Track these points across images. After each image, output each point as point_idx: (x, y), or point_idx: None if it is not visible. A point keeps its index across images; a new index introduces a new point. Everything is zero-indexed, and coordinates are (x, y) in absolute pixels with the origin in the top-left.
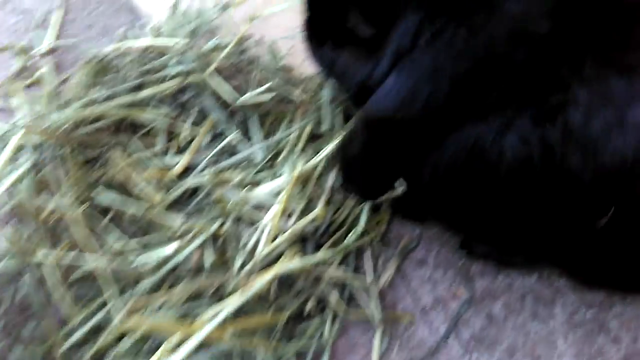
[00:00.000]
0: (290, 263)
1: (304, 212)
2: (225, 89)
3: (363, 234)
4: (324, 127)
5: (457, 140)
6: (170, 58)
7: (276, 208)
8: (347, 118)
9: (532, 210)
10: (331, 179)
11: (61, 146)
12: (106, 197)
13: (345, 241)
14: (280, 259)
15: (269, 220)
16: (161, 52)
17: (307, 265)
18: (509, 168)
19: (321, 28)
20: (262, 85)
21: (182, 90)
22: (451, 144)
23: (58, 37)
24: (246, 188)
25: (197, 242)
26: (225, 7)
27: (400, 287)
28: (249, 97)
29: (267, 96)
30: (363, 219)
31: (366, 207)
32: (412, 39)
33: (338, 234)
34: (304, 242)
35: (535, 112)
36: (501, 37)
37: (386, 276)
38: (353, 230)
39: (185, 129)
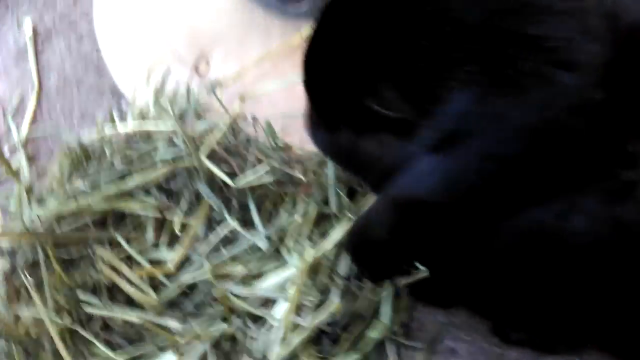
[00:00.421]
0: None
1: (318, 305)
2: (220, 172)
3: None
4: (332, 208)
5: (513, 226)
6: (157, 143)
7: (286, 305)
8: (351, 196)
9: (592, 293)
10: (344, 265)
11: (40, 246)
12: (92, 304)
13: (367, 337)
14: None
15: (280, 318)
16: (147, 136)
17: None
18: (575, 252)
19: (333, 111)
20: (259, 167)
21: (171, 177)
22: (506, 229)
23: (33, 125)
24: (251, 283)
25: (200, 349)
26: (214, 87)
27: None
28: (248, 178)
29: (268, 178)
30: (386, 311)
31: (387, 296)
32: (460, 119)
33: (357, 326)
34: (318, 337)
35: (603, 191)
36: (559, 110)
37: None
38: (373, 324)
39: (177, 219)
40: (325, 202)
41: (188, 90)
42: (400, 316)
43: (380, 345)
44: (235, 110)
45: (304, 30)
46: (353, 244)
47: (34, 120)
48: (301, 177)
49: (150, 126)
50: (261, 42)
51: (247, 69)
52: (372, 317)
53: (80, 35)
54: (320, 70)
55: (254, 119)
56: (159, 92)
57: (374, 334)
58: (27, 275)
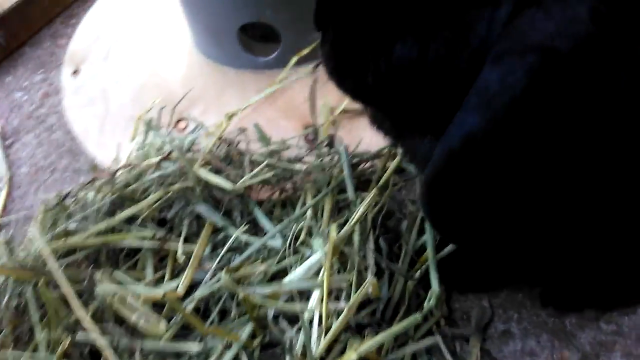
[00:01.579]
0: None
1: (353, 289)
2: (218, 178)
3: (425, 315)
4: (348, 193)
5: None
6: (145, 173)
7: (318, 292)
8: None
9: None
10: (371, 245)
11: (30, 284)
12: (92, 336)
13: (407, 321)
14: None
15: (314, 307)
16: (137, 176)
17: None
18: None
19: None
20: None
21: (166, 207)
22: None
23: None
24: (275, 281)
25: (229, 355)
26: (198, 129)
27: None
28: (247, 179)
29: (268, 174)
30: (434, 294)
31: (433, 275)
32: None
33: (400, 314)
34: (360, 333)
35: None
36: None
37: None
38: (419, 310)
39: (178, 247)
40: (337, 193)
41: (171, 135)
42: (442, 310)
43: (427, 337)
44: (224, 123)
45: (277, 78)
46: (428, 195)
47: (5, 208)
48: (302, 167)
49: (136, 161)
50: (238, 95)
51: (228, 119)
52: (410, 302)
53: (50, 126)
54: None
55: (242, 130)
56: (142, 142)
57: (418, 317)
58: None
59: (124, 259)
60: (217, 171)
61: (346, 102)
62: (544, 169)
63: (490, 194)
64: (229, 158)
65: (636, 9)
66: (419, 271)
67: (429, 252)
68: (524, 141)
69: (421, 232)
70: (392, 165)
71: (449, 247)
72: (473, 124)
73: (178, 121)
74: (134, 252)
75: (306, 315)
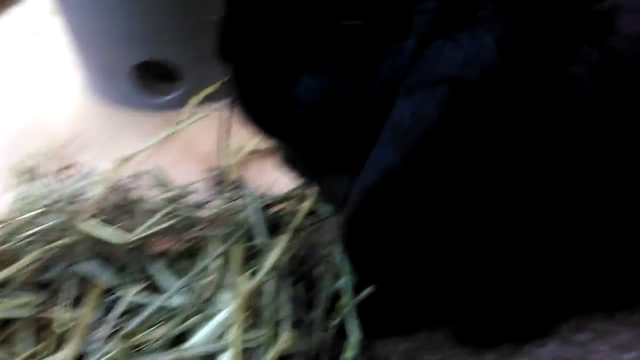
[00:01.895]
0: None
1: (267, 346)
2: (104, 230)
3: None
4: (259, 239)
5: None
6: (21, 230)
7: (230, 353)
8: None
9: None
10: (286, 294)
11: None
12: None
13: None
14: None
15: None
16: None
17: None
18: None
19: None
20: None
21: (44, 268)
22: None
23: None
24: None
25: None
26: (86, 175)
27: None
28: (142, 230)
29: (167, 223)
30: (356, 341)
31: (352, 322)
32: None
33: None
34: None
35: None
36: None
37: None
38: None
39: (60, 314)
40: (246, 240)
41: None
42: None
43: None
44: (113, 169)
45: (177, 119)
46: (348, 234)
47: None
48: (207, 213)
49: (14, 214)
50: (135, 138)
51: (122, 163)
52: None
53: None
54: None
55: (137, 175)
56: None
57: None
58: None
59: None
60: (111, 221)
61: (254, 143)
62: (461, 202)
63: (410, 229)
64: (124, 207)
65: (539, 37)
66: (337, 319)
67: (347, 297)
68: (440, 174)
69: (336, 276)
70: (305, 206)
71: (367, 291)
72: (389, 160)
73: (65, 168)
74: (9, 322)
75: None
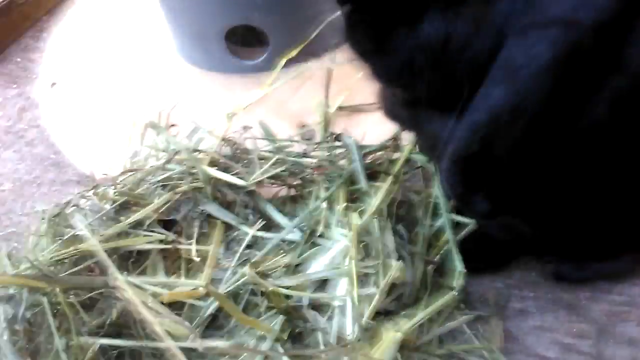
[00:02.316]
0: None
1: (378, 275)
2: (227, 175)
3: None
4: (361, 183)
5: None
6: (148, 177)
7: (344, 280)
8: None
9: None
10: (390, 231)
11: (43, 293)
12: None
13: (443, 300)
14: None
15: (344, 294)
16: (139, 181)
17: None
18: None
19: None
20: (267, 164)
21: (173, 209)
22: None
23: None
24: (298, 271)
25: (265, 347)
26: (195, 132)
27: (517, 353)
28: (258, 174)
29: (279, 169)
30: (460, 273)
31: (456, 256)
32: None
33: (425, 298)
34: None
35: None
36: None
37: (496, 346)
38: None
39: (191, 247)
40: (348, 185)
41: (168, 139)
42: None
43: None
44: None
45: (267, 81)
46: (454, 169)
47: None
48: (312, 160)
49: (139, 165)
50: (227, 100)
51: (230, 118)
52: (432, 286)
53: (31, 140)
54: None
55: (245, 127)
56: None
57: (445, 300)
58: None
59: (132, 265)
60: (225, 170)
61: (341, 100)
62: (568, 140)
63: (515, 165)
64: (235, 157)
65: None
66: (438, 255)
67: (448, 233)
68: (548, 112)
69: (434, 217)
70: (404, 153)
71: (464, 231)
72: (499, 97)
73: (173, 126)
74: (143, 258)
75: (337, 303)
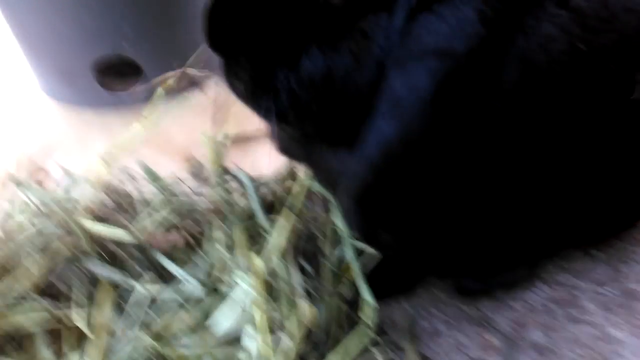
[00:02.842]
0: None
1: (289, 318)
2: (109, 229)
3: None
4: (260, 220)
5: None
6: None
7: (255, 333)
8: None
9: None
10: (295, 268)
11: None
12: None
13: (351, 344)
14: None
15: (252, 346)
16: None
17: None
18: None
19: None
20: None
21: (50, 271)
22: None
23: None
24: (202, 329)
25: None
26: (67, 180)
27: None
28: (145, 222)
29: (167, 212)
30: (370, 306)
31: (364, 288)
32: None
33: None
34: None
35: None
36: None
37: None
38: (355, 329)
39: (77, 316)
40: (246, 222)
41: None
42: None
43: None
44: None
45: (145, 113)
46: (355, 205)
47: None
48: (204, 200)
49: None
50: (103, 137)
51: (106, 161)
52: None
53: None
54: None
55: (125, 170)
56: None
57: (356, 340)
58: None
59: (8, 344)
60: (106, 221)
61: (229, 129)
62: (458, 166)
63: (413, 195)
64: (117, 205)
65: (516, 12)
66: (347, 289)
67: (354, 265)
68: (435, 141)
69: (337, 246)
70: (299, 185)
71: (371, 263)
72: (387, 130)
73: (40, 173)
74: (25, 338)
75: (243, 357)
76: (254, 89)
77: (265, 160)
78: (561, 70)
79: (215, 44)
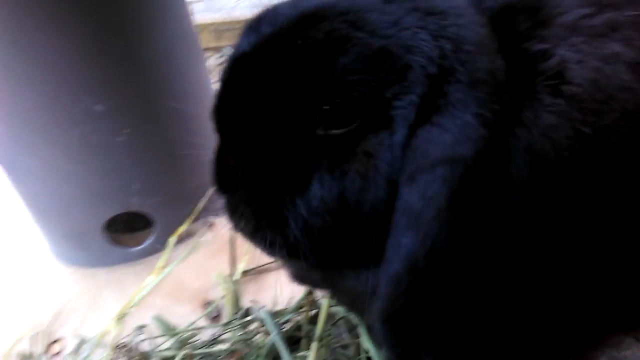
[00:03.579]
0: None
1: None
2: None
3: None
4: (285, 358)
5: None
6: None
7: None
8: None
9: None
10: None
11: None
12: None
13: None
14: None
15: None
16: None
17: None
18: None
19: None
20: None
21: None
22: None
23: None
24: None
25: None
26: (80, 345)
27: None
28: None
29: None
30: None
31: None
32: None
33: None
34: None
35: None
36: None
37: None
38: None
39: None
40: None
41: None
42: None
43: None
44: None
45: (158, 264)
46: (387, 322)
47: None
48: (223, 347)
49: None
50: (117, 295)
51: (118, 322)
52: None
53: None
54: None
55: (140, 328)
56: None
57: None
58: None
59: None
60: None
61: (243, 265)
62: (486, 266)
63: (447, 306)
64: None
65: (512, 109)
66: None
67: None
68: (461, 245)
69: None
70: (323, 310)
71: None
72: (409, 245)
73: (54, 343)
74: None
75: None
76: (258, 224)
77: (284, 290)
78: (570, 155)
79: (219, 184)
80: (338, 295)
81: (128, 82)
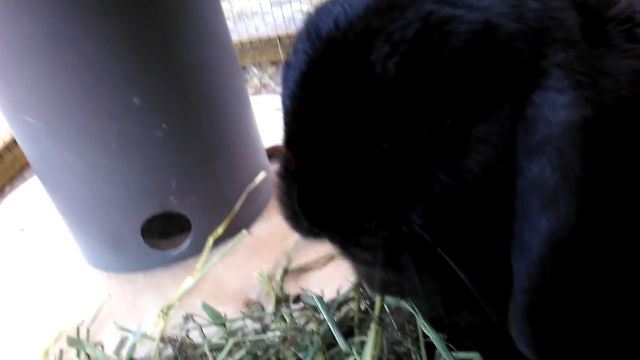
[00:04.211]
0: None
1: None
2: None
3: None
4: (340, 344)
5: None
6: None
7: None
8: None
9: None
10: None
11: None
12: None
13: None
14: None
15: None
16: None
17: None
18: None
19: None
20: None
21: None
22: None
23: None
24: None
25: None
26: (124, 341)
27: None
28: None
29: (239, 353)
30: None
31: None
32: None
33: None
34: None
35: None
36: None
37: None
38: None
39: None
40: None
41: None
42: None
43: None
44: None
45: (198, 265)
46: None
47: None
48: (274, 334)
49: None
50: (155, 299)
51: (163, 315)
52: None
53: None
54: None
55: (187, 317)
56: None
57: None
58: None
59: None
60: None
61: (285, 264)
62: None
63: (590, 286)
64: (182, 355)
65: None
66: None
67: None
68: (607, 215)
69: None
70: (377, 303)
71: None
72: (550, 224)
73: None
74: None
75: None
76: (390, 249)
77: (327, 289)
78: None
79: (316, 222)
80: (419, 297)
81: (164, 76)
